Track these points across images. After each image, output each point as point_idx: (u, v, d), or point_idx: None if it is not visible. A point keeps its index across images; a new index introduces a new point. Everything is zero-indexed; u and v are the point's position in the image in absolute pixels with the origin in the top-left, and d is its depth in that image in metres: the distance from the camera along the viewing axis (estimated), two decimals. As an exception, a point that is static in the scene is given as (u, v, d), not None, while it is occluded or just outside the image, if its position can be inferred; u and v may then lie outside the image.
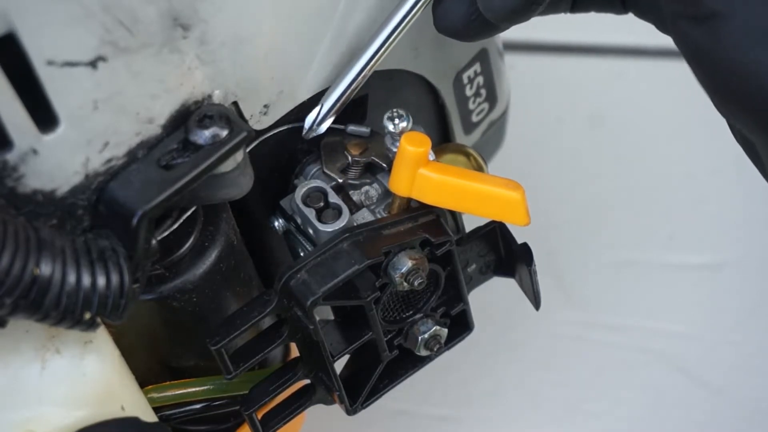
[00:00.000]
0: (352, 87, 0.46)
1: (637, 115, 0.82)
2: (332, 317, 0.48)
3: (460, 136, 0.58)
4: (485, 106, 0.58)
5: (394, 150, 0.46)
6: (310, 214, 0.46)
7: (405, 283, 0.45)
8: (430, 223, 0.47)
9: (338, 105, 0.46)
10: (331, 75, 0.48)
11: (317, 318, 0.44)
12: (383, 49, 0.46)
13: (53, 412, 0.40)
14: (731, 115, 0.41)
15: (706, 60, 0.40)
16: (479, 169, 0.50)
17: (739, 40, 0.38)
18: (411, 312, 0.48)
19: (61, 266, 0.37)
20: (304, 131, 0.47)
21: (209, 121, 0.41)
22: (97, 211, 0.40)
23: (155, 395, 0.47)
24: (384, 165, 0.47)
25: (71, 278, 0.37)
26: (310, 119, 0.47)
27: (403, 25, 0.45)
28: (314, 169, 0.49)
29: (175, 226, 0.45)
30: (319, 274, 0.44)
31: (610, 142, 0.80)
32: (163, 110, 0.41)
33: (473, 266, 0.51)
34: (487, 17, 0.44)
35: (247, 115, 0.45)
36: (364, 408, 0.49)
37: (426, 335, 0.48)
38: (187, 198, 0.41)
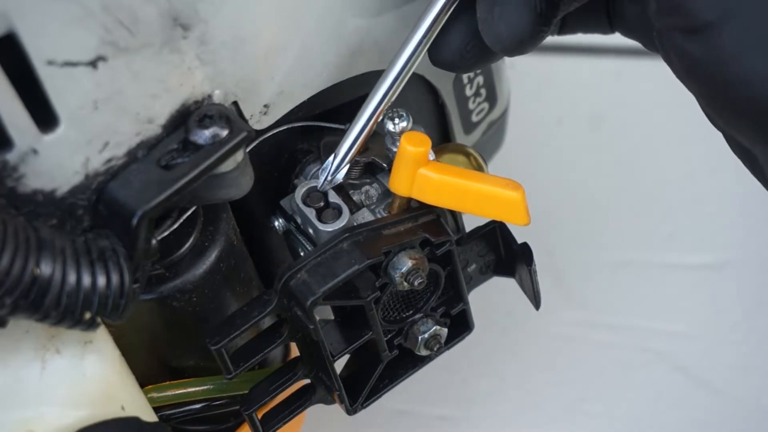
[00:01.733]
0: (365, 133, 0.46)
1: (637, 115, 0.82)
2: (332, 317, 0.48)
3: (460, 136, 0.58)
4: (485, 105, 0.58)
5: (394, 150, 0.46)
6: (310, 213, 0.46)
7: (405, 283, 0.45)
8: (430, 223, 0.47)
9: (353, 152, 0.46)
10: (331, 75, 0.48)
11: (317, 318, 0.44)
12: (391, 92, 0.46)
13: (53, 412, 0.40)
14: (730, 127, 0.41)
15: (703, 72, 0.39)
16: (479, 168, 0.50)
17: (735, 50, 0.38)
18: (411, 312, 0.48)
19: (61, 266, 0.37)
20: (320, 183, 0.47)
21: (209, 121, 0.41)
22: (97, 211, 0.40)
23: (155, 395, 0.47)
24: (384, 165, 0.47)
25: (71, 278, 0.37)
26: (326, 168, 0.47)
27: (406, 69, 0.45)
28: (314, 169, 0.49)
29: (175, 226, 0.45)
30: (319, 274, 0.44)
31: (610, 143, 0.80)
32: (163, 110, 0.41)
33: (473, 266, 0.51)
34: (494, 49, 0.44)
35: (247, 115, 0.45)
36: (364, 408, 0.49)
37: (426, 335, 0.48)
38: (187, 198, 0.41)
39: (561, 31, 0.50)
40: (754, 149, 0.41)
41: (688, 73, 0.40)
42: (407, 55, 0.45)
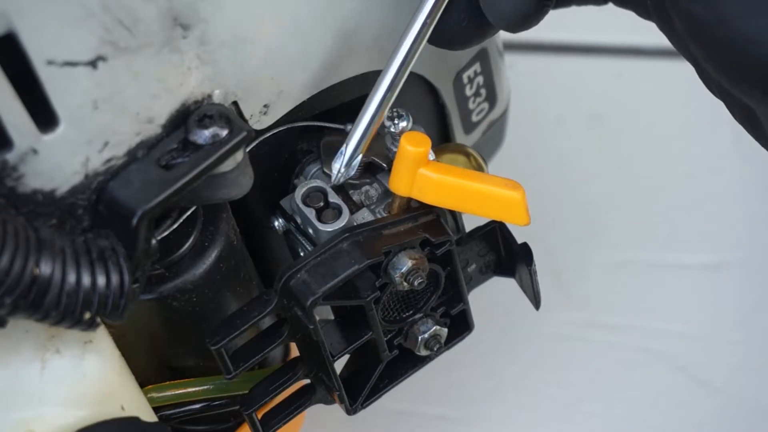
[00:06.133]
0: (373, 125, 0.46)
1: (637, 115, 0.82)
2: (332, 317, 0.48)
3: (460, 136, 0.58)
4: (485, 105, 0.58)
5: (394, 150, 0.46)
6: (310, 213, 0.46)
7: (405, 283, 0.45)
8: (430, 223, 0.47)
9: (363, 144, 0.46)
10: (331, 74, 0.48)
11: (317, 318, 0.44)
12: (398, 80, 0.45)
13: (53, 412, 0.40)
14: (735, 88, 0.41)
15: (708, 34, 0.39)
16: (479, 168, 0.50)
17: (741, 9, 0.38)
18: (411, 312, 0.48)
19: (61, 266, 0.37)
20: (333, 177, 0.46)
21: (209, 120, 0.41)
22: (97, 211, 0.40)
23: (155, 395, 0.47)
24: (384, 165, 0.47)
25: (71, 278, 0.37)
26: (336, 164, 0.46)
27: (410, 57, 0.45)
28: (314, 169, 0.49)
29: (175, 226, 0.45)
30: (319, 274, 0.44)
31: (610, 142, 0.80)
32: (163, 110, 0.41)
33: (473, 266, 0.51)
34: (498, 26, 0.44)
35: (247, 115, 0.45)
36: (364, 408, 0.49)
37: (426, 335, 0.48)
38: (187, 198, 0.41)
39: (556, 4, 0.49)
40: (758, 109, 0.41)
41: (693, 35, 0.40)
42: (417, 29, 0.45)
